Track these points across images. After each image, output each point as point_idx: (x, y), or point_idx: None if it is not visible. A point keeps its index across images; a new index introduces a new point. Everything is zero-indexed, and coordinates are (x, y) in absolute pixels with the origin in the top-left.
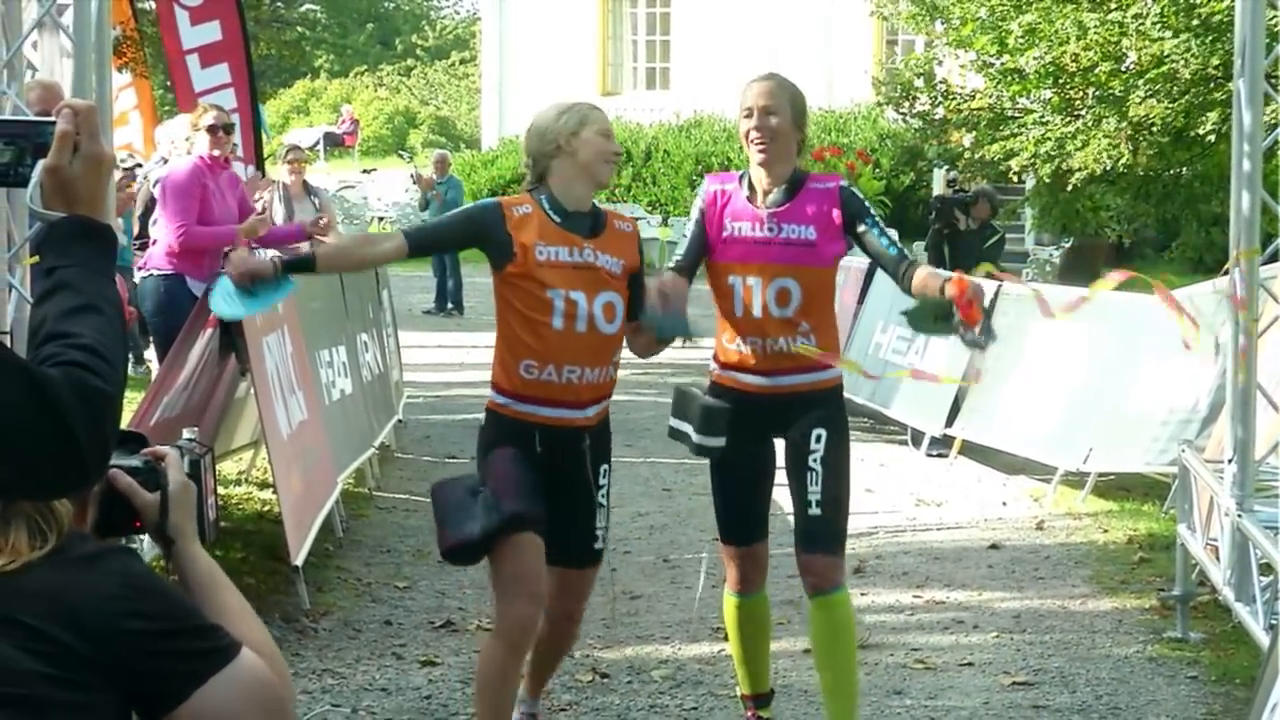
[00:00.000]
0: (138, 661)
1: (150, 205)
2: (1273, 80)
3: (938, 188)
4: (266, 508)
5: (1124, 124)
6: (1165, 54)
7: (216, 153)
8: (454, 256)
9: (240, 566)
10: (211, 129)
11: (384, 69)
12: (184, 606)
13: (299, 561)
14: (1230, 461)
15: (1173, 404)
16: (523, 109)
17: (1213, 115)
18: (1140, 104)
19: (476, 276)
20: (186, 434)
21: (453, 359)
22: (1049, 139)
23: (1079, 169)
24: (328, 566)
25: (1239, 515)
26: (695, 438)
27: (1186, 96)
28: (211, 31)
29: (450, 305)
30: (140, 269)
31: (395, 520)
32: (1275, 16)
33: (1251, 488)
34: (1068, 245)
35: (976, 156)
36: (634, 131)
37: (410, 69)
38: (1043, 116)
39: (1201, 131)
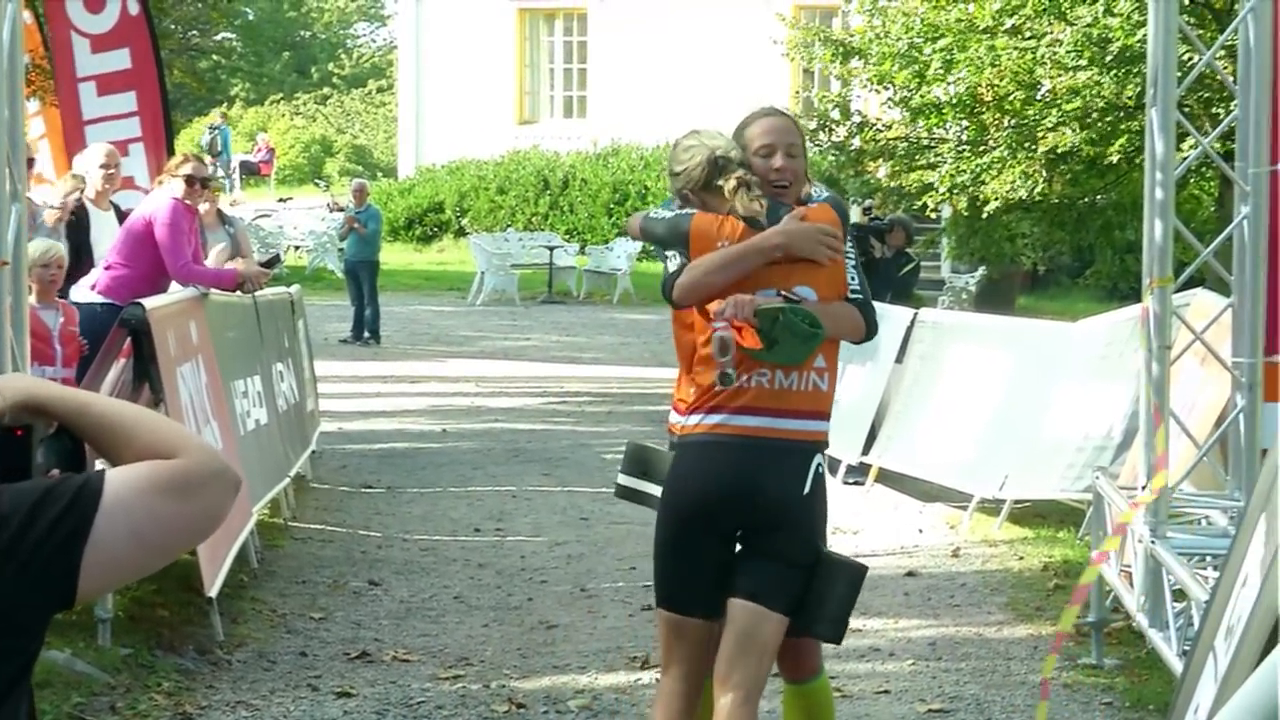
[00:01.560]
0: (19, 573)
1: (82, 230)
2: (1184, 109)
3: (854, 217)
4: None
5: (1038, 153)
6: (1080, 85)
7: (189, 202)
8: (371, 285)
9: (154, 598)
10: (189, 179)
11: (300, 97)
12: (19, 490)
13: (213, 593)
14: (1143, 488)
15: (1088, 431)
16: (440, 137)
17: (1119, 141)
18: (1053, 132)
19: (394, 305)
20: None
21: (369, 389)
22: (965, 170)
23: (994, 198)
24: (242, 598)
25: (1152, 542)
26: None
27: (1100, 125)
28: (118, 59)
29: (367, 334)
30: (93, 289)
31: (310, 551)
32: (1186, 50)
33: (1165, 514)
34: (984, 273)
35: (893, 185)
36: (551, 160)
37: (326, 97)
38: (958, 147)
39: (1112, 159)
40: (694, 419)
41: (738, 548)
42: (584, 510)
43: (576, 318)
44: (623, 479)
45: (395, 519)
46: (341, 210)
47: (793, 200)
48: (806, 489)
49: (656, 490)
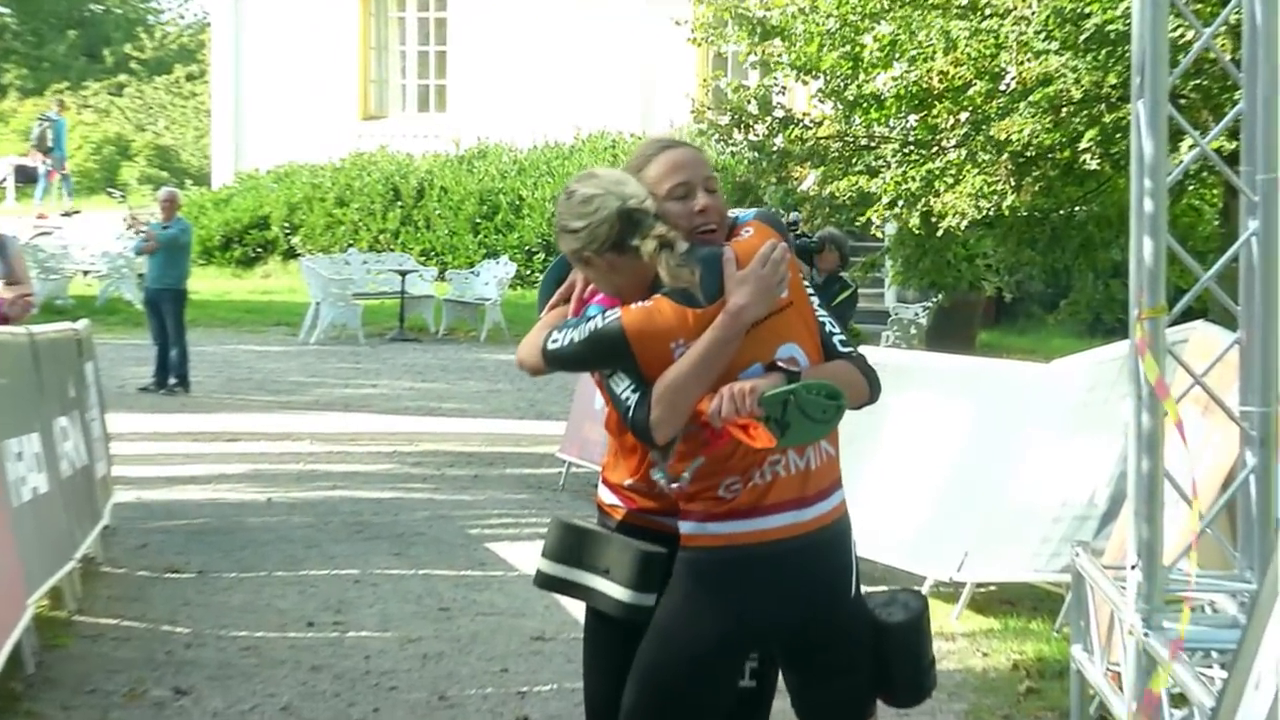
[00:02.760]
0: None
1: None
2: (1178, 102)
3: None
4: None
5: (1004, 155)
6: (1052, 71)
7: None
8: (177, 319)
9: None
10: None
11: (90, 86)
12: None
13: None
14: (1134, 568)
15: (1065, 496)
16: (264, 137)
17: (1090, 133)
18: (1022, 130)
19: (207, 344)
20: None
21: (175, 449)
22: (913, 177)
23: (949, 211)
24: (15, 711)
25: (1146, 634)
26: (627, 596)
27: (1076, 121)
28: None
29: (173, 380)
30: None
31: (101, 651)
32: (1179, 26)
33: (1161, 600)
34: (937, 303)
35: (824, 195)
36: (403, 164)
37: (123, 86)
38: (904, 148)
39: (1083, 158)
40: (697, 527)
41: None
42: (444, 598)
43: (435, 359)
44: (548, 565)
45: (208, 610)
46: (144, 227)
47: (721, 242)
48: (853, 585)
49: (596, 582)
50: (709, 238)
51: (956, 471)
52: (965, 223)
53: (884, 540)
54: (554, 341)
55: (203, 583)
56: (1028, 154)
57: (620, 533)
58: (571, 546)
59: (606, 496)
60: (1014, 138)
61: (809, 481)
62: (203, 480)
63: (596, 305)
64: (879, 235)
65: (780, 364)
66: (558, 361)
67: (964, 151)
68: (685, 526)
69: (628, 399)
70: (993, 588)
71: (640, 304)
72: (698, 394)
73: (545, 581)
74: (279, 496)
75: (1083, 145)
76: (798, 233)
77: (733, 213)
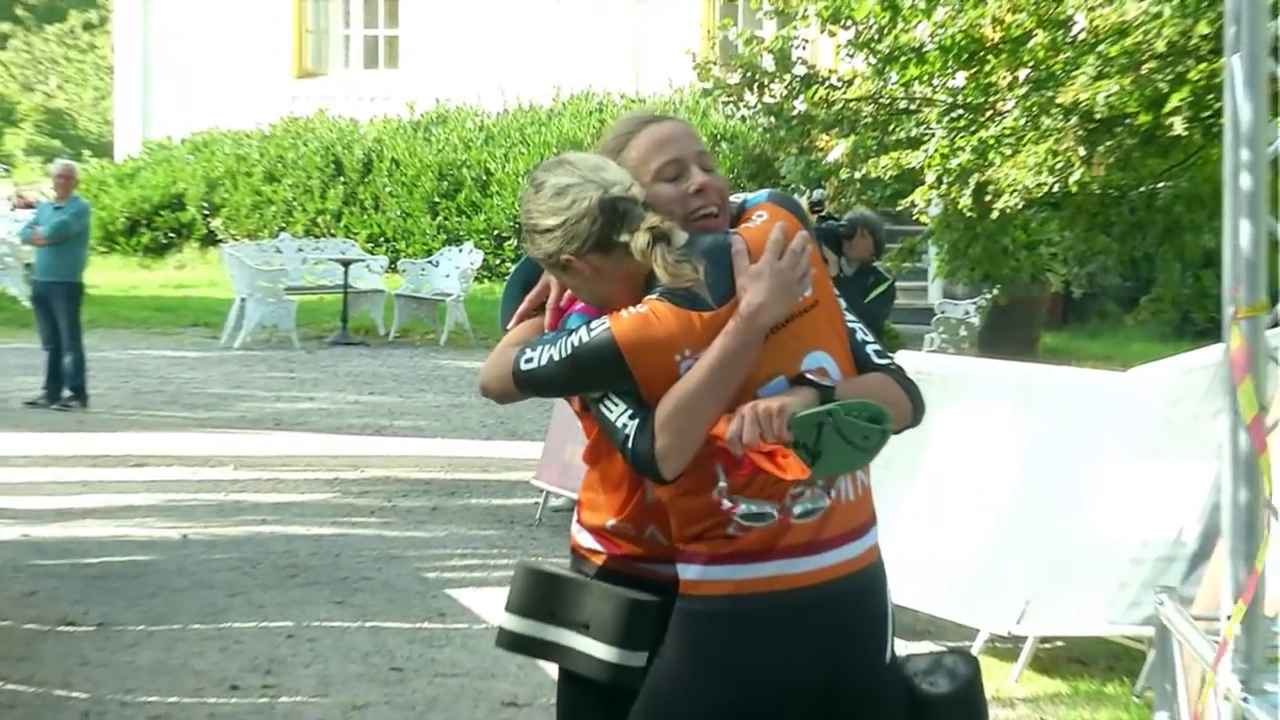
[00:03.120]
0: None
1: None
2: None
3: None
4: None
5: (1071, 119)
6: (1130, 19)
7: None
8: (72, 319)
9: None
10: None
11: None
12: None
13: None
14: (1230, 619)
15: (1147, 533)
16: (178, 99)
17: (1176, 94)
18: (1094, 91)
19: (109, 349)
20: None
21: (70, 475)
22: (961, 147)
23: (1007, 187)
24: None
25: (1245, 699)
26: (612, 655)
27: (1159, 79)
28: None
29: (68, 393)
30: None
31: None
32: None
33: (1263, 658)
34: (991, 299)
35: (858, 175)
36: (346, 132)
37: (6, 37)
38: (952, 112)
39: (1168, 124)
40: (701, 572)
41: None
42: (395, 656)
43: (385, 367)
44: (513, 622)
45: (111, 671)
46: (31, 206)
47: (725, 228)
48: (889, 645)
49: (574, 640)
50: (711, 224)
51: (1015, 502)
52: (1024, 202)
53: (927, 586)
54: (528, 361)
55: (104, 638)
56: (1100, 119)
57: (601, 580)
58: (542, 597)
59: (584, 539)
60: (1083, 99)
61: (836, 519)
62: (104, 514)
63: (578, 314)
64: (923, 220)
65: (809, 376)
66: (533, 385)
67: (1023, 116)
68: (687, 571)
69: (624, 426)
70: (1060, 643)
71: (633, 310)
72: (712, 415)
73: (511, 641)
74: (196, 533)
75: (1167, 109)
76: (822, 214)
77: (738, 197)
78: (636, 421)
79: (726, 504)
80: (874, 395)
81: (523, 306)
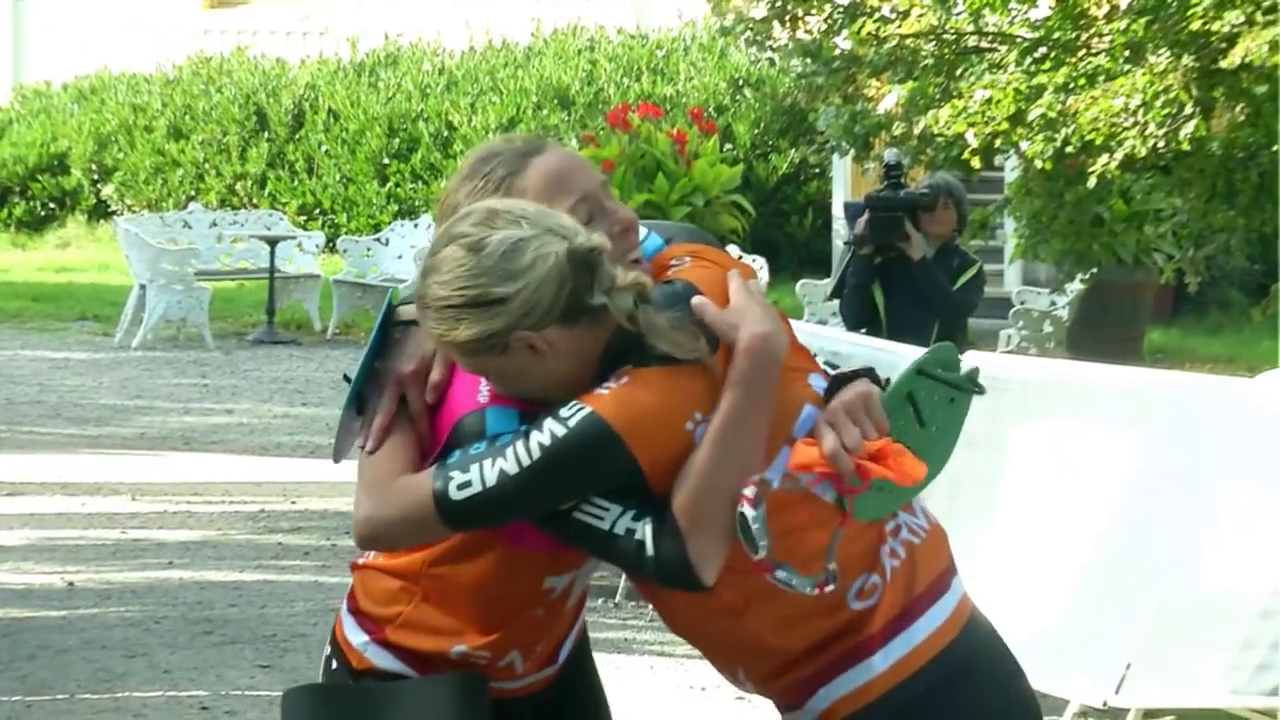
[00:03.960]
0: None
1: None
2: None
3: (841, 186)
4: None
5: (1184, 58)
6: None
7: None
8: None
9: None
10: None
11: None
12: None
13: None
14: None
15: (1278, 581)
16: (58, 33)
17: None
18: (1216, 22)
19: (20, 348)
20: None
21: None
22: (1044, 86)
23: (1100, 139)
24: None
25: None
26: None
27: None
28: None
29: None
30: None
31: None
32: None
33: None
34: (1089, 279)
35: (917, 130)
36: (271, 76)
37: None
38: (1033, 50)
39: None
40: (870, 664)
41: None
42: None
43: (322, 371)
44: None
45: None
46: None
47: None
48: None
49: None
50: (640, 269)
51: (1114, 541)
52: (1124, 164)
53: (1011, 645)
54: (462, 487)
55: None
56: (1222, 60)
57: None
58: (337, 718)
59: (348, 633)
60: (1200, 33)
61: (929, 557)
62: (13, 554)
63: (499, 409)
64: (974, 165)
65: (827, 371)
66: (477, 514)
67: (1123, 53)
68: (863, 672)
69: (631, 532)
70: (1170, 717)
71: (610, 385)
72: (737, 485)
73: None
74: (85, 580)
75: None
76: (898, 180)
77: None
78: (649, 521)
79: (766, 562)
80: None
81: (378, 420)
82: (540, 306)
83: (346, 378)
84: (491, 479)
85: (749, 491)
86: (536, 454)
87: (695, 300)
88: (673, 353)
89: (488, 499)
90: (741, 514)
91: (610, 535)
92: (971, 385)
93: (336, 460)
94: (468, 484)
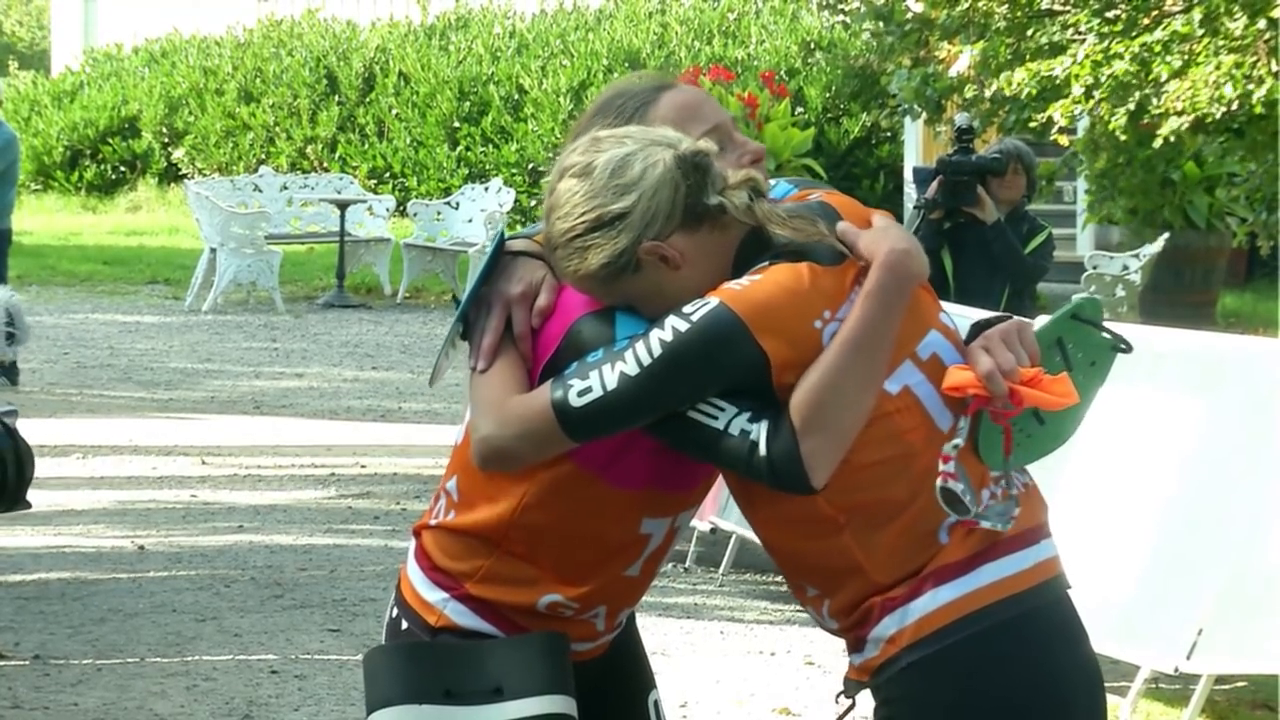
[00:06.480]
0: None
1: None
2: None
3: (913, 150)
4: None
5: (1260, 21)
6: None
7: None
8: None
9: None
10: None
11: None
12: None
13: None
14: None
15: None
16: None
17: None
18: None
19: (46, 312)
20: None
21: None
22: (1119, 54)
23: (1175, 110)
24: None
25: None
26: (550, 705)
27: None
28: None
29: None
30: None
31: None
32: None
33: None
34: (1156, 248)
35: (988, 93)
36: (342, 39)
37: None
38: (1107, 11)
39: None
40: (939, 596)
41: None
42: None
43: (391, 335)
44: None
45: (50, 716)
46: None
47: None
48: None
49: (487, 714)
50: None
51: (1186, 508)
52: (1196, 125)
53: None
54: (583, 393)
55: (41, 673)
56: None
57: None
58: (426, 677)
59: (422, 588)
60: None
61: (1035, 502)
62: (40, 519)
63: (627, 316)
64: (1060, 142)
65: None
66: (600, 421)
67: (1198, 18)
68: (899, 621)
69: (746, 431)
70: (1241, 684)
71: (740, 280)
72: (863, 401)
73: None
74: (155, 543)
75: None
76: (968, 145)
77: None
78: (764, 422)
79: (949, 465)
80: None
81: (487, 340)
82: (660, 213)
83: (455, 300)
84: (612, 382)
85: (949, 467)
86: (659, 350)
87: (840, 225)
88: (793, 239)
89: (608, 403)
90: (948, 489)
91: (724, 434)
92: (1120, 342)
93: (432, 384)
94: (588, 390)
